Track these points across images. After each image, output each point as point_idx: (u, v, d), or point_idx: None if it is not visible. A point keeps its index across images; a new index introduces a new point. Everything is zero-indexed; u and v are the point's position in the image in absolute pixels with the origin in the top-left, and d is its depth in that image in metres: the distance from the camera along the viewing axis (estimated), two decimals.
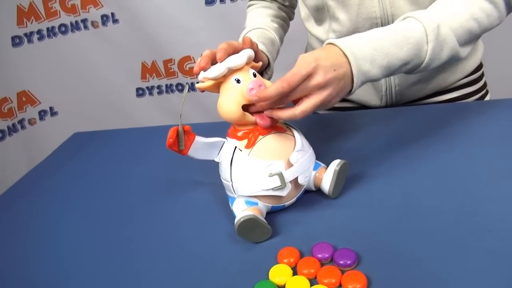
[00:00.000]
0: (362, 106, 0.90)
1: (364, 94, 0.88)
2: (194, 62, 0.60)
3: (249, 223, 0.51)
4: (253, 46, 0.59)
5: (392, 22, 0.74)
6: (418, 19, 0.60)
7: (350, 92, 0.57)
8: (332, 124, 0.81)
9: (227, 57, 0.55)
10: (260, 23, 0.84)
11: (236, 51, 0.57)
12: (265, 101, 0.52)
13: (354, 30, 0.76)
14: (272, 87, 0.51)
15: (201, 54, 0.56)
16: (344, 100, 0.93)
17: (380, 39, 0.58)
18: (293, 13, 0.97)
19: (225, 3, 1.64)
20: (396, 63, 0.58)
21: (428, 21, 0.60)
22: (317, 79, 0.52)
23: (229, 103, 0.54)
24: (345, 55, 0.55)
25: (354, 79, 0.55)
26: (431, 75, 0.82)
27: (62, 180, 0.79)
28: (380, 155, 0.68)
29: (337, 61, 0.54)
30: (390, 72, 0.59)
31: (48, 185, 0.77)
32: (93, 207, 0.68)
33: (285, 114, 0.53)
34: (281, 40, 0.87)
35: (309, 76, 0.52)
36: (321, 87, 0.53)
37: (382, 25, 0.75)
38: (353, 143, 0.72)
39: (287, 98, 0.53)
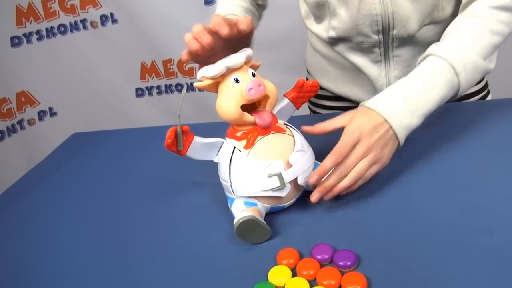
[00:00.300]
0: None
1: (364, 95, 0.87)
2: (193, 63, 0.59)
3: (248, 224, 0.51)
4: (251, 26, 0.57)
5: (393, 20, 0.73)
6: (441, 56, 0.62)
7: (398, 145, 0.60)
8: None
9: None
10: (231, 11, 0.81)
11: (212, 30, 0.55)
12: (324, 175, 0.55)
13: (354, 27, 0.76)
14: (326, 162, 0.55)
15: (192, 34, 0.55)
16: (343, 99, 0.93)
17: (412, 90, 0.60)
18: (262, 15, 0.94)
19: None
20: (432, 106, 0.60)
21: (451, 56, 0.61)
22: (364, 144, 0.56)
23: (228, 103, 0.53)
24: (382, 116, 0.58)
25: (398, 136, 0.58)
26: None
27: (61, 180, 0.78)
28: None
29: (377, 121, 0.57)
30: (429, 114, 0.61)
31: (47, 186, 0.77)
32: (92, 208, 0.68)
33: (348, 181, 0.56)
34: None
35: (356, 143, 0.56)
36: (370, 150, 0.56)
37: (382, 23, 0.74)
38: None
39: (345, 170, 0.56)
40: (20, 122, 1.80)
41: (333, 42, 0.82)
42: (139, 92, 1.89)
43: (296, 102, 0.62)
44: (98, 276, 0.53)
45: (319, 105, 0.98)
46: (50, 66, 1.77)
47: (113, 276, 0.53)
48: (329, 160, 0.55)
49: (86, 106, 1.86)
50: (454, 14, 0.72)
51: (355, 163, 0.56)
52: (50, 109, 1.87)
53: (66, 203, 0.71)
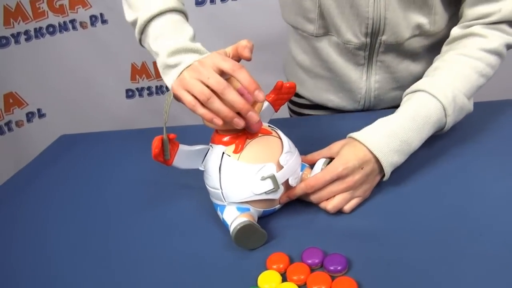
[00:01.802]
0: (339, 111, 0.90)
1: (340, 103, 0.87)
2: None
3: (246, 229, 0.50)
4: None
5: (384, 25, 0.73)
6: (433, 94, 0.62)
7: (382, 179, 0.60)
8: (312, 127, 0.80)
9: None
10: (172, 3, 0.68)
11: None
12: (293, 199, 0.57)
13: (343, 23, 0.75)
14: (297, 189, 0.56)
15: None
16: (322, 108, 0.92)
17: (402, 129, 0.60)
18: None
19: (215, 3, 1.63)
20: (419, 144, 0.61)
21: (444, 96, 0.62)
22: (347, 182, 0.56)
23: None
24: (372, 152, 0.57)
25: (385, 172, 0.58)
26: (411, 82, 0.77)
27: (48, 183, 0.77)
28: None
29: (364, 158, 0.57)
30: (414, 151, 0.61)
31: (34, 188, 0.76)
32: (80, 211, 0.67)
33: (321, 206, 0.57)
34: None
35: (339, 179, 0.56)
36: (350, 188, 0.56)
37: (373, 26, 0.73)
38: None
39: (319, 197, 0.57)
40: (8, 123, 1.78)
41: (319, 35, 0.80)
42: (129, 93, 1.88)
43: (275, 105, 0.61)
44: (85, 280, 0.52)
45: (299, 114, 0.98)
46: (39, 67, 1.75)
47: (99, 281, 0.52)
48: (299, 188, 0.56)
49: (75, 108, 1.84)
50: (445, 32, 0.72)
51: (327, 197, 0.56)
52: (38, 110, 1.84)
53: (53, 206, 0.69)
